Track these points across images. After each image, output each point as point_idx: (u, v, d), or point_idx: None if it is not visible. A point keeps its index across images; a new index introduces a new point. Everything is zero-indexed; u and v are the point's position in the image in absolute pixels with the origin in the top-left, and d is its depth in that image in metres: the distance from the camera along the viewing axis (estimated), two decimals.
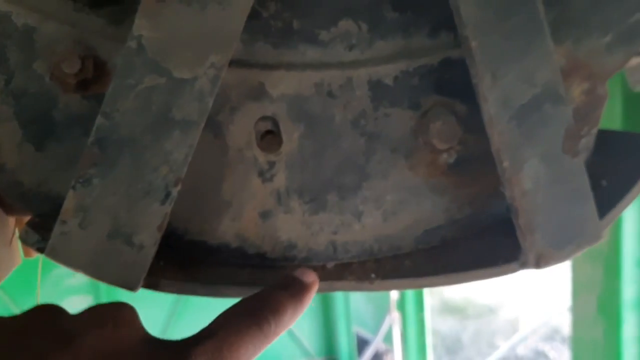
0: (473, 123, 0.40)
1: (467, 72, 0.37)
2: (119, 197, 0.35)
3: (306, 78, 0.39)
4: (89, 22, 0.37)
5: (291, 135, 0.40)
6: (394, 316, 3.43)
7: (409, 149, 0.41)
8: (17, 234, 0.49)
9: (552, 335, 4.04)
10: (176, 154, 0.35)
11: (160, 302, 3.00)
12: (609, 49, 0.40)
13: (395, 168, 0.41)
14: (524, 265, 0.39)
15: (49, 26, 0.37)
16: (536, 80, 0.36)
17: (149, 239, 0.36)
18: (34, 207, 0.39)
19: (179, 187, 0.36)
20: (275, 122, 0.40)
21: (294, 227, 0.42)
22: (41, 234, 0.37)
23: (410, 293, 3.12)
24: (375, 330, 3.67)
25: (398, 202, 0.42)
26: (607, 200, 0.41)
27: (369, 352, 3.63)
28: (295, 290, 0.37)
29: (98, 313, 0.33)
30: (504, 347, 3.95)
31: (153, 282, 0.38)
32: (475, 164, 0.42)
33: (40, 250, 0.37)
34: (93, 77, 0.37)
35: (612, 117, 1.23)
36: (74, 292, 2.79)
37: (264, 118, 0.40)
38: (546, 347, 3.98)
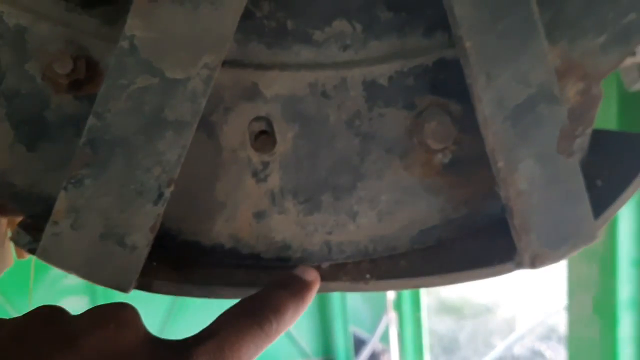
0: (468, 123, 0.40)
1: (462, 72, 0.37)
2: (111, 197, 0.35)
3: (300, 78, 0.39)
4: (82, 22, 0.37)
5: (285, 136, 0.40)
6: (391, 316, 3.44)
7: (404, 149, 0.41)
8: (9, 234, 0.48)
9: (548, 335, 4.05)
10: (169, 154, 0.35)
11: (157, 303, 3.00)
12: (603, 49, 0.40)
13: (390, 168, 0.41)
14: (519, 265, 0.39)
15: (41, 26, 0.37)
16: (531, 80, 0.36)
17: (142, 239, 0.35)
18: (26, 208, 0.39)
19: (172, 188, 0.36)
20: (269, 123, 0.40)
21: (288, 228, 0.42)
22: (33, 235, 0.37)
23: (407, 293, 3.13)
24: (372, 330, 3.68)
25: (393, 202, 0.42)
26: (602, 200, 0.41)
27: (365, 352, 3.63)
28: (296, 289, 0.37)
29: (100, 313, 0.33)
30: (500, 346, 3.96)
31: (146, 283, 0.38)
32: (470, 164, 0.42)
33: (32, 251, 0.36)
34: (85, 77, 0.37)
35: (607, 117, 1.24)
36: (70, 293, 2.78)
37: (257, 118, 0.39)
38: (542, 347, 3.99)
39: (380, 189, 0.42)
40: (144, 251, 0.36)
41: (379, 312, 3.62)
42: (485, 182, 0.41)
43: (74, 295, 2.81)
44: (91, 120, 0.34)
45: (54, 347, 0.30)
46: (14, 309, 2.56)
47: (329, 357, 3.64)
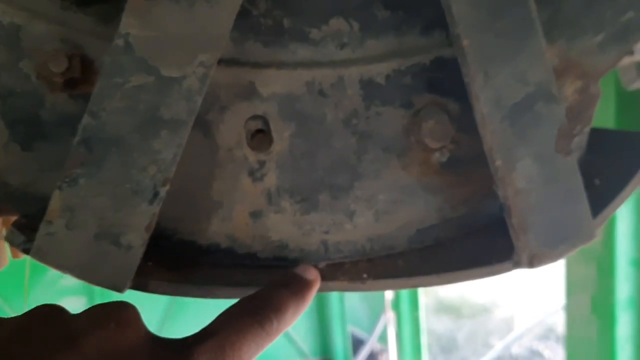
0: (466, 122, 0.39)
1: (459, 71, 0.37)
2: (106, 197, 0.35)
3: (297, 77, 0.39)
4: (77, 21, 0.37)
5: (282, 135, 0.40)
6: (389, 316, 3.44)
7: (402, 148, 0.41)
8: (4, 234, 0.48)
9: (546, 335, 4.05)
10: (164, 153, 0.35)
11: (155, 302, 2.99)
12: (601, 48, 0.40)
13: (387, 167, 0.41)
14: (517, 264, 0.39)
15: (36, 25, 0.37)
16: (529, 79, 0.36)
17: (137, 239, 0.35)
18: (21, 208, 0.39)
19: (167, 187, 0.35)
20: (265, 121, 0.39)
21: (285, 227, 0.41)
22: (27, 235, 0.36)
23: (405, 292, 3.12)
24: (370, 330, 3.68)
25: (391, 201, 0.42)
26: (601, 199, 0.41)
27: (364, 352, 3.63)
28: (297, 288, 0.37)
29: (100, 313, 0.33)
30: (498, 346, 3.96)
31: (142, 283, 0.38)
32: (468, 163, 0.41)
33: (26, 251, 0.36)
34: (80, 76, 0.37)
35: (605, 116, 1.24)
36: (68, 293, 2.78)
37: (254, 117, 0.39)
38: (541, 346, 3.99)
39: (377, 188, 0.41)
40: (139, 251, 0.35)
41: (377, 312, 3.62)
42: (483, 181, 0.41)
43: (72, 296, 2.80)
44: (86, 119, 0.34)
45: (55, 347, 0.30)
46: (12, 309, 2.56)
47: (327, 357, 3.63)
